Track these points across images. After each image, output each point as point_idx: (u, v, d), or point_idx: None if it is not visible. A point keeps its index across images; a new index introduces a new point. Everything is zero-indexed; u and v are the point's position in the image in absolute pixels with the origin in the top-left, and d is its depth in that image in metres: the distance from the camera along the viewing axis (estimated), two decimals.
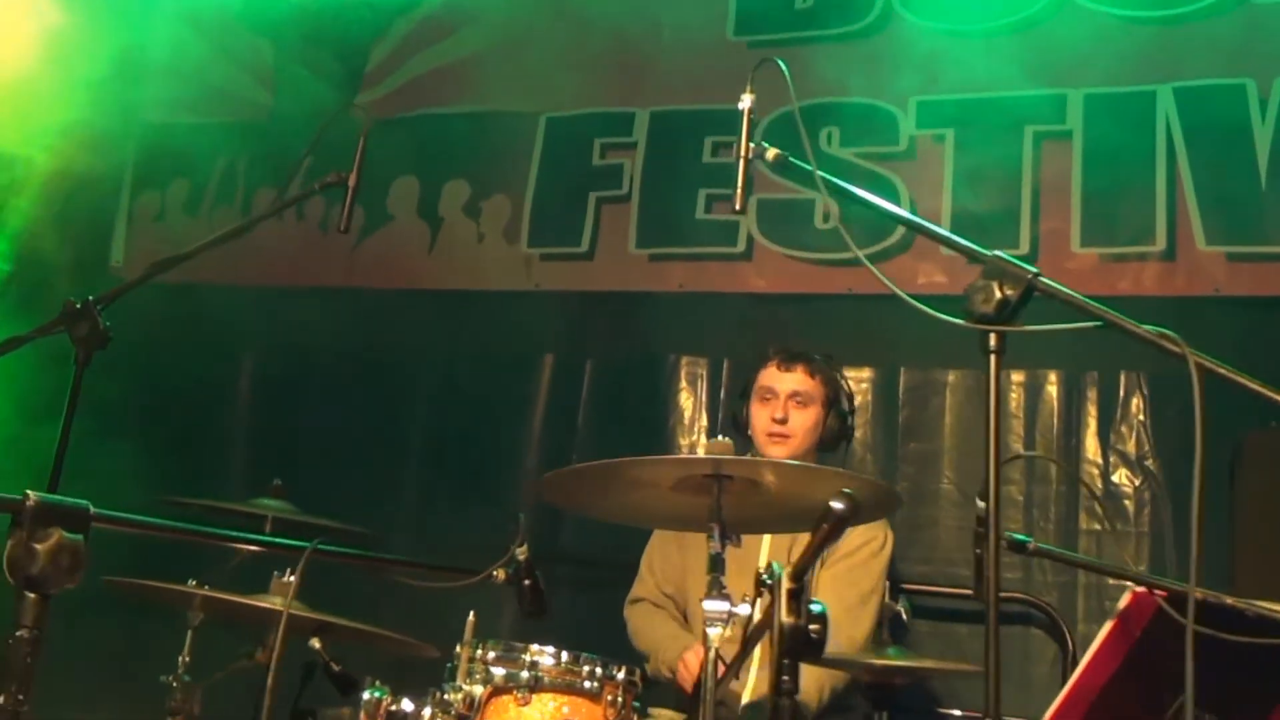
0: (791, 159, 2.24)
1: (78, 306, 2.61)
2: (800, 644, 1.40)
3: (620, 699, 2.12)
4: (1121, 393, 3.91)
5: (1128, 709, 2.07)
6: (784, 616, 1.41)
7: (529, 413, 4.54)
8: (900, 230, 4.22)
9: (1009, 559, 3.88)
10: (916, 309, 1.99)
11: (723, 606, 1.92)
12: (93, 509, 1.44)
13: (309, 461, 4.49)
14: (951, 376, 4.12)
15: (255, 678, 2.73)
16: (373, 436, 4.57)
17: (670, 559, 3.17)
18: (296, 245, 4.86)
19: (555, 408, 4.51)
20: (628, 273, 4.54)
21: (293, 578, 2.31)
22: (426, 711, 2.03)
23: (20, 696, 1.36)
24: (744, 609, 1.92)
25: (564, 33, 4.76)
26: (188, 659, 2.61)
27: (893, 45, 4.39)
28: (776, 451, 3.04)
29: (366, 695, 2.02)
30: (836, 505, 1.44)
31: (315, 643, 2.64)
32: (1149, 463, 3.83)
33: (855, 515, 1.44)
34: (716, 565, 1.97)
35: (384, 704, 2.00)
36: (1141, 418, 3.87)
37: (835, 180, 2.20)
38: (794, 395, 3.08)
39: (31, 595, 1.37)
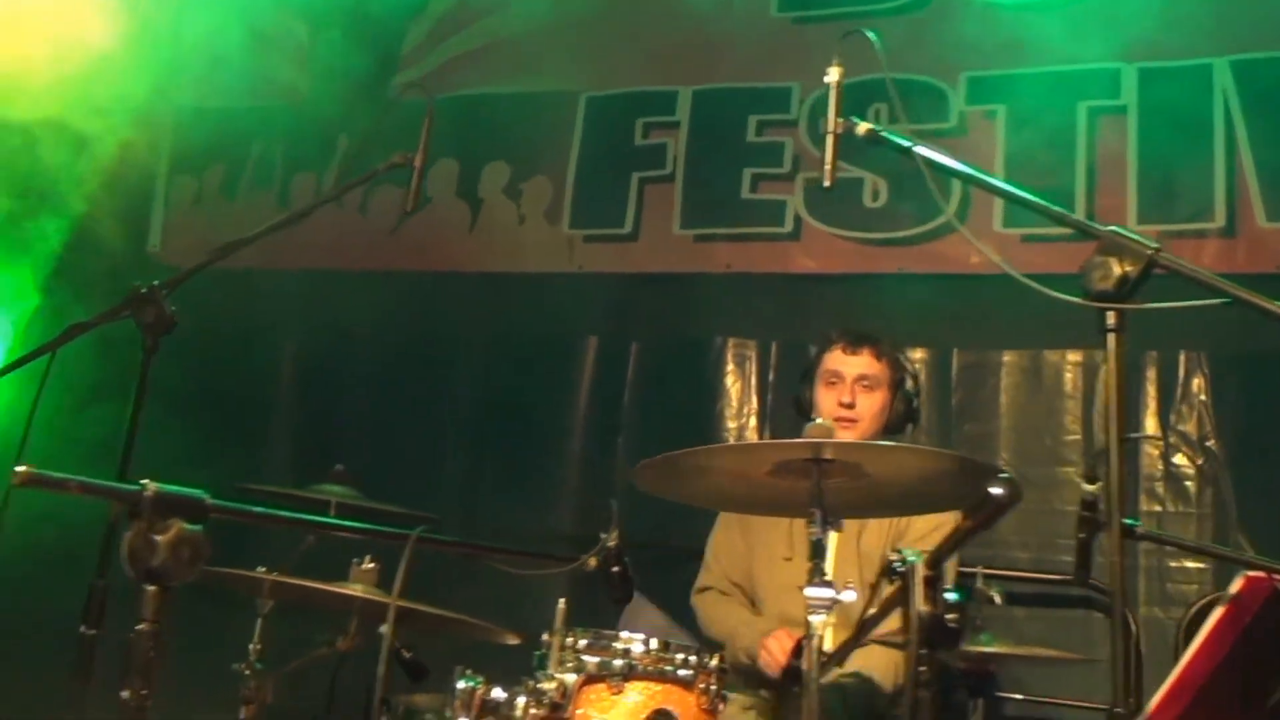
0: (884, 133, 2.18)
1: (144, 291, 2.56)
2: (938, 633, 1.36)
3: (713, 686, 2.08)
4: (1182, 373, 3.86)
5: (1230, 698, 2.03)
6: (921, 605, 1.35)
7: (573, 395, 4.49)
8: (951, 209, 4.16)
9: (1067, 542, 3.89)
10: (1033, 289, 1.93)
11: (827, 593, 1.87)
12: (209, 499, 1.40)
13: (353, 445, 4.46)
14: (1006, 357, 4.07)
15: (326, 665, 2.72)
16: (416, 420, 4.53)
17: (735, 547, 3.12)
18: (337, 229, 4.80)
19: (600, 390, 4.47)
20: (673, 254, 4.49)
21: (371, 564, 2.27)
22: (521, 700, 1.98)
23: (144, 691, 1.32)
24: (849, 595, 1.87)
25: (604, 11, 4.70)
26: (258, 647, 2.57)
27: (942, 20, 4.31)
28: (843, 436, 2.99)
29: (461, 684, 1.98)
30: (996, 491, 1.39)
31: (386, 629, 2.61)
32: (1210, 443, 3.78)
33: (1014, 502, 1.39)
34: (818, 552, 1.93)
35: (478, 693, 1.96)
36: (1203, 398, 3.81)
37: (935, 156, 2.13)
38: (861, 379, 3.03)
39: (152, 588, 1.33)
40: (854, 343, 3.06)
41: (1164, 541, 2.64)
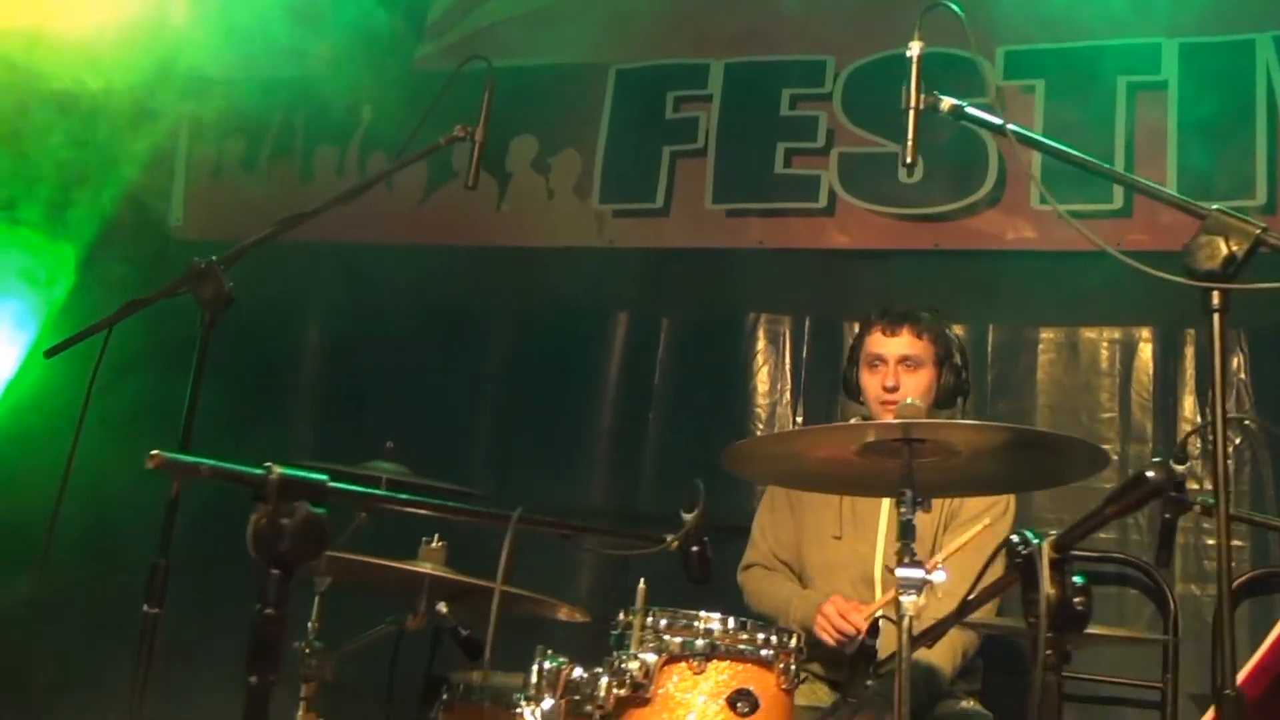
0: (971, 108, 2.14)
1: (202, 266, 2.52)
2: (1066, 617, 1.34)
3: (793, 666, 2.07)
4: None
5: None
6: (1048, 589, 1.34)
7: (603, 371, 4.47)
8: (988, 184, 4.14)
9: None
10: (1135, 269, 1.89)
11: (917, 574, 1.86)
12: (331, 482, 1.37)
13: (381, 421, 4.43)
14: (1042, 334, 4.06)
15: (384, 644, 2.70)
16: (444, 396, 4.49)
17: (783, 524, 3.11)
18: (363, 202, 4.73)
19: (631, 366, 4.44)
20: (704, 229, 4.45)
21: (440, 543, 2.25)
22: (604, 680, 1.97)
23: (271, 677, 1.30)
24: (939, 576, 1.86)
25: None
26: (316, 625, 2.56)
27: None
28: (890, 419, 2.98)
29: (548, 665, 1.96)
30: (1152, 475, 1.37)
31: (443, 607, 2.60)
32: (1249, 421, 3.78)
33: (1167, 489, 1.37)
34: (907, 532, 1.91)
35: (564, 673, 1.94)
36: (1242, 375, 3.81)
37: (1027, 132, 2.11)
38: (903, 360, 3.00)
39: (276, 572, 1.30)
40: (893, 323, 3.03)
41: (1255, 523, 2.63)
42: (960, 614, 1.75)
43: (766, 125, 4.42)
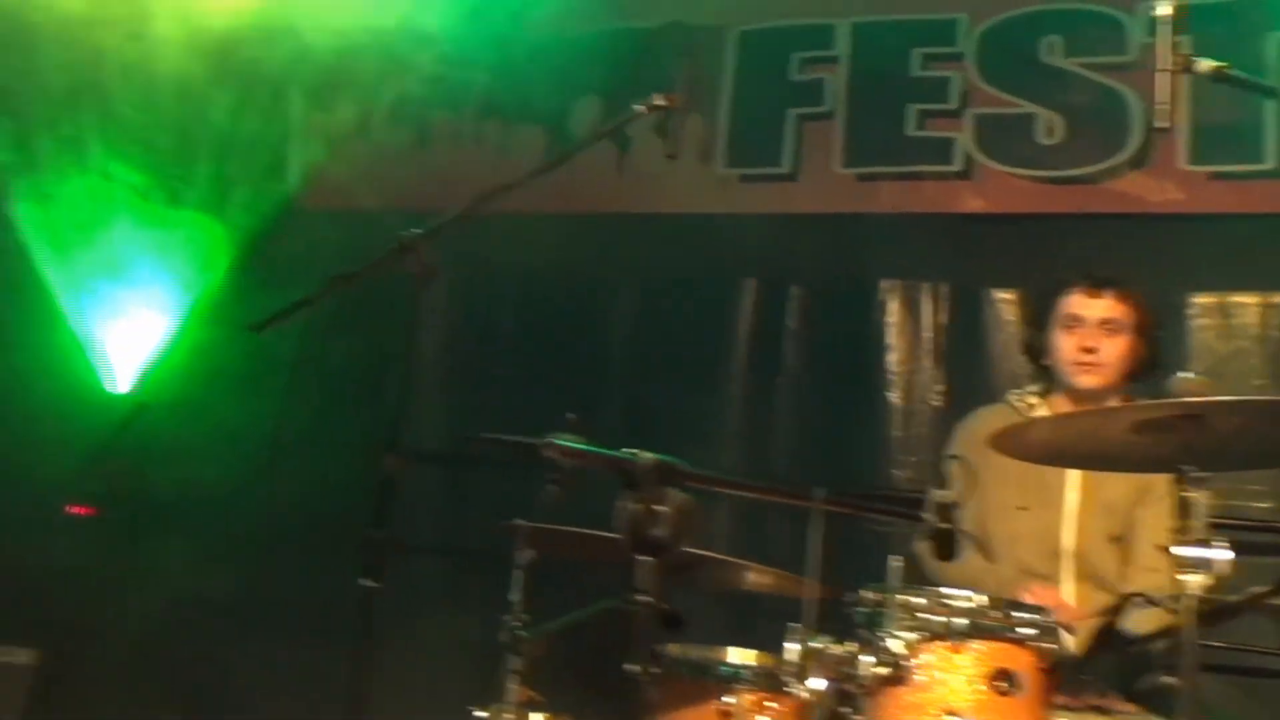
0: (1237, 73, 2.06)
1: (406, 241, 2.48)
2: None
3: (1048, 646, 2.03)
4: None
5: None
6: None
7: (730, 339, 4.41)
8: (1133, 146, 4.04)
9: (1259, 487, 3.81)
10: None
11: (1202, 553, 1.81)
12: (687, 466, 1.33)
13: (506, 392, 4.42)
14: (1194, 299, 3.96)
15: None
16: (568, 366, 4.45)
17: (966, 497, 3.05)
18: (478, 170, 4.69)
19: (759, 334, 4.38)
20: (834, 193, 4.38)
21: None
22: (867, 659, 1.93)
23: (655, 669, 1.26)
24: (1223, 554, 1.81)
25: None
26: (520, 599, 2.53)
27: None
28: (1086, 381, 2.91)
29: (814, 645, 1.92)
30: None
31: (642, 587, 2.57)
32: None
33: None
34: (1188, 511, 1.86)
35: (827, 651, 1.91)
36: None
37: None
38: (1105, 323, 2.93)
39: (650, 559, 1.26)
40: (1097, 285, 2.95)
41: None
42: (1264, 596, 1.70)
43: (896, 86, 4.33)
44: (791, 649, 1.97)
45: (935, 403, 4.11)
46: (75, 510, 3.73)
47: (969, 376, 4.07)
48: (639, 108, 2.70)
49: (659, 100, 2.62)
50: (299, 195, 4.87)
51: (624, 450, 1.30)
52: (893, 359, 4.23)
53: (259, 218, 4.44)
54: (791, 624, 2.01)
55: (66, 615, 3.74)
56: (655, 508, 1.25)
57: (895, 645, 1.94)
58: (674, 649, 2.51)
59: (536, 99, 4.65)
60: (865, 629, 2.04)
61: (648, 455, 1.28)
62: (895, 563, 2.01)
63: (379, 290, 2.80)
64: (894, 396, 4.17)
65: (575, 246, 4.55)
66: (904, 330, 4.23)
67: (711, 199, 4.48)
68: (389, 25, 4.79)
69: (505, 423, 3.73)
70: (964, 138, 4.23)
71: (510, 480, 2.71)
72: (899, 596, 2.00)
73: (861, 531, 3.45)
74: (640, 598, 2.15)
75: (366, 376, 3.89)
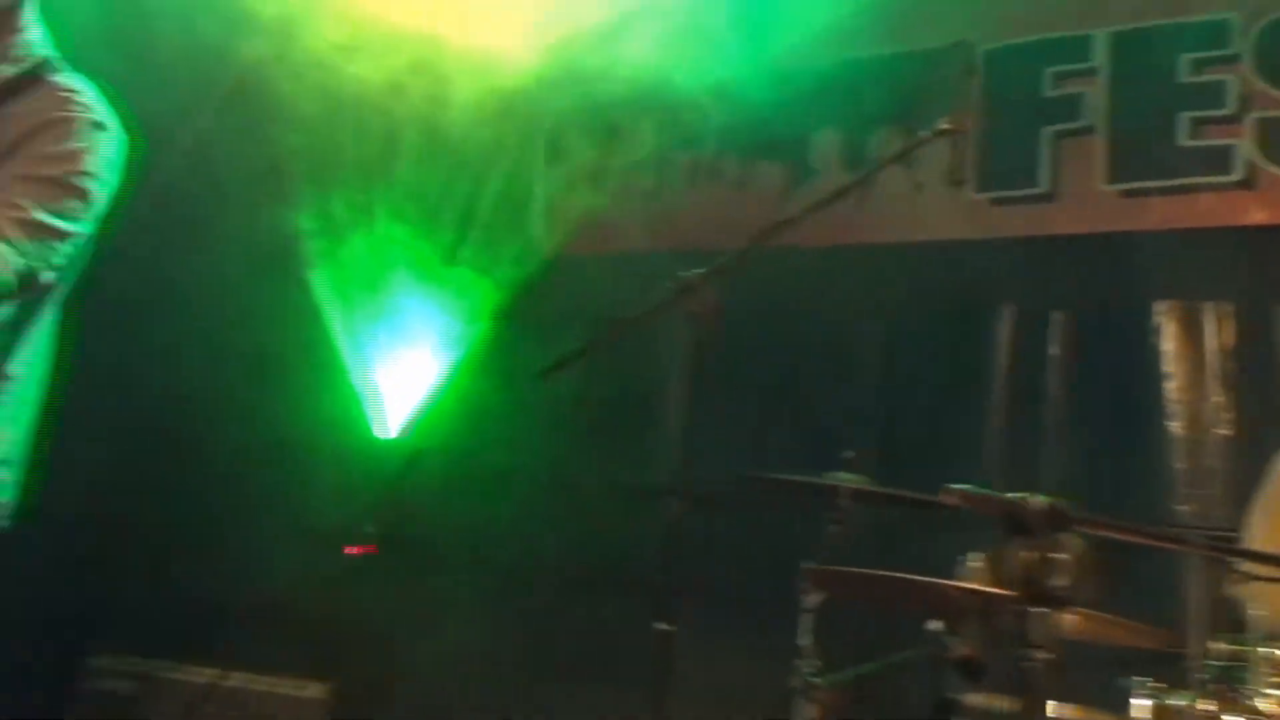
0: None
1: (688, 283, 2.46)
2: None
3: None
4: None
5: None
6: None
7: (988, 369, 4.20)
8: None
9: None
10: None
11: None
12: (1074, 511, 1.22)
13: (751, 432, 4.35)
14: None
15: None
16: (821, 401, 4.35)
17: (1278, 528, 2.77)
18: (719, 206, 4.68)
19: (1019, 363, 4.15)
20: (1098, 212, 4.13)
21: (983, 562, 2.07)
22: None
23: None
24: None
25: None
26: (810, 644, 2.45)
27: None
28: None
29: (1172, 701, 1.75)
30: None
31: (937, 625, 2.43)
32: None
33: None
34: None
35: (1189, 710, 1.73)
36: None
37: None
38: None
39: (1044, 610, 1.16)
40: None
41: None
42: None
43: (1164, 95, 4.05)
44: (1141, 705, 1.79)
45: (1224, 431, 3.79)
46: (353, 550, 3.89)
47: (1261, 402, 3.73)
48: (925, 134, 2.57)
49: (946, 124, 2.50)
50: (541, 240, 4.99)
51: (1012, 493, 1.20)
52: (1172, 385, 3.92)
53: (523, 269, 4.57)
54: (1138, 678, 1.83)
55: (354, 652, 3.90)
56: (1051, 555, 1.15)
57: (1267, 705, 1.74)
58: (975, 699, 2.37)
59: (776, 133, 4.60)
60: (1219, 684, 1.84)
61: (1039, 499, 1.18)
62: (1257, 612, 1.81)
63: (639, 331, 2.82)
64: (1176, 426, 3.86)
65: (816, 280, 4.45)
66: (1184, 354, 3.92)
67: (961, 224, 4.31)
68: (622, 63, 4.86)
69: (765, 462, 3.70)
70: (1245, 144, 3.91)
71: (782, 521, 2.64)
72: (1261, 649, 1.80)
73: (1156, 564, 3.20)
74: (955, 646, 2.04)
75: (634, 418, 3.90)
